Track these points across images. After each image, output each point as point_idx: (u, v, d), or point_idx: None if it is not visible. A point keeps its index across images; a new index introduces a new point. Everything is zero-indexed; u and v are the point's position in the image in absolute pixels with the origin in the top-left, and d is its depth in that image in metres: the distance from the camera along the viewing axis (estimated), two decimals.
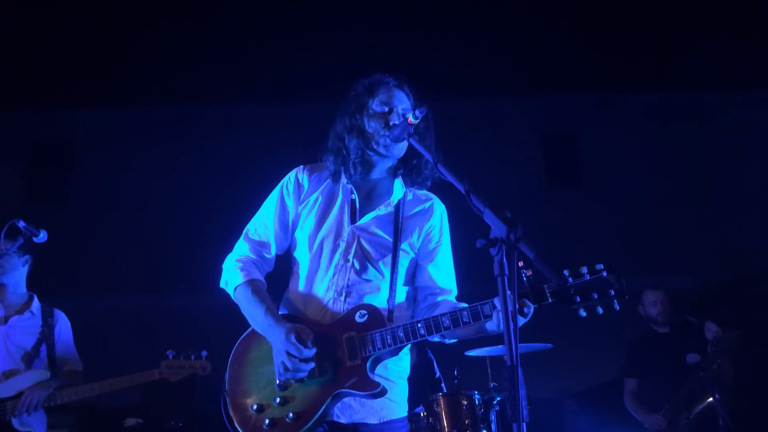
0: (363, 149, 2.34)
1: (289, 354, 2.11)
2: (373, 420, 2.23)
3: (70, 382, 3.84)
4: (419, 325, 2.13)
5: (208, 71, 8.52)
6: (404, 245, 2.35)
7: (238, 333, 2.36)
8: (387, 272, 2.31)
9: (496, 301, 2.02)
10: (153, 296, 8.57)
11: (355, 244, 2.31)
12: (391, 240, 2.33)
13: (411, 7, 7.69)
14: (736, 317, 6.03)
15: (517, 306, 1.64)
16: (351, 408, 2.22)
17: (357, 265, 2.29)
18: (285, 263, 2.50)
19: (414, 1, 7.67)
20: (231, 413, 2.21)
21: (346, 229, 2.33)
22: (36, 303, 4.01)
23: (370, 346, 2.15)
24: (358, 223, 2.34)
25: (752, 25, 8.03)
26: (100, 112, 9.37)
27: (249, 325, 2.33)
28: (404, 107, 2.36)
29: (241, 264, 2.37)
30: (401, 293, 2.36)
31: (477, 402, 4.18)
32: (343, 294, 2.27)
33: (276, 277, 2.50)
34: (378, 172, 2.42)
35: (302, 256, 2.38)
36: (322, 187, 2.42)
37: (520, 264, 1.79)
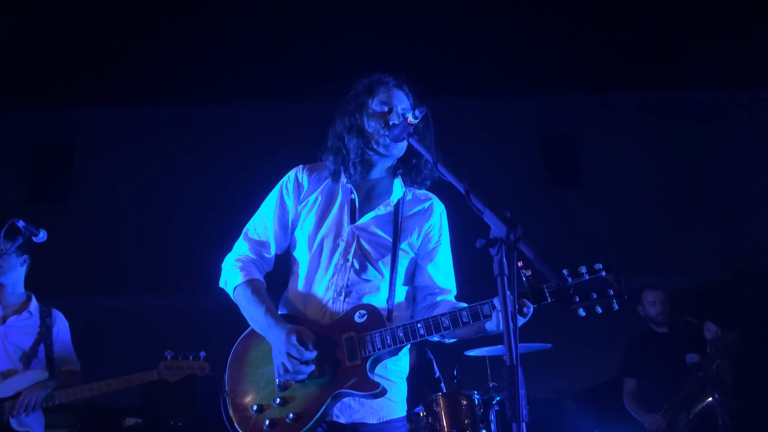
0: (363, 149, 2.34)
1: (289, 356, 2.11)
2: (372, 420, 2.23)
3: (68, 383, 3.84)
4: (419, 325, 2.13)
5: (208, 71, 8.52)
6: (404, 245, 2.35)
7: (238, 333, 2.36)
8: (386, 272, 2.31)
9: (496, 301, 2.02)
10: (153, 296, 8.57)
11: (354, 243, 2.31)
12: (391, 240, 2.33)
13: (411, 6, 7.69)
14: (735, 317, 6.02)
15: (517, 306, 1.64)
16: (350, 408, 2.22)
17: (356, 265, 2.29)
18: (284, 263, 2.50)
19: (414, 1, 7.67)
20: (231, 414, 2.21)
21: (346, 228, 2.33)
22: (34, 303, 4.00)
23: (369, 347, 2.15)
24: (358, 222, 2.34)
25: (752, 25, 8.03)
26: (100, 112, 9.38)
27: (248, 325, 2.32)
28: (404, 107, 2.36)
29: (240, 264, 2.37)
30: (401, 293, 2.36)
31: (476, 402, 4.18)
32: (343, 294, 2.27)
33: (275, 276, 2.50)
34: (378, 172, 2.42)
35: (302, 255, 2.38)
36: (322, 186, 2.42)
37: (520, 264, 1.79)
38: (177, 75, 8.47)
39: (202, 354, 3.83)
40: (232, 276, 2.35)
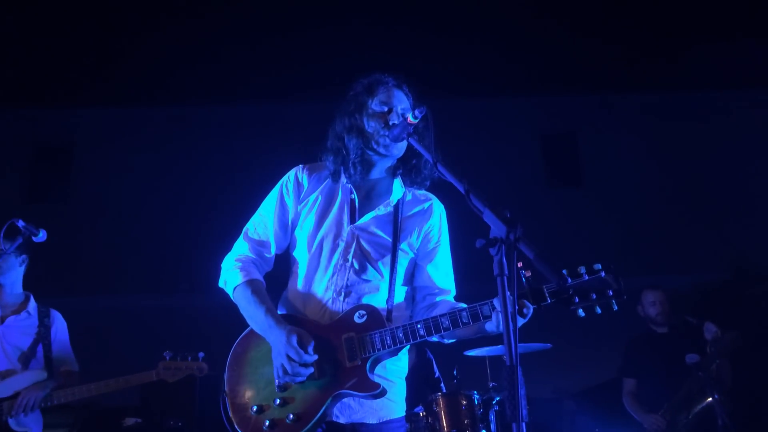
0: (362, 149, 2.34)
1: (289, 358, 2.11)
2: (372, 420, 2.23)
3: (67, 383, 3.83)
4: (418, 326, 2.13)
5: (207, 71, 8.52)
6: (403, 245, 2.34)
7: (238, 333, 2.35)
8: (386, 272, 2.31)
9: (496, 302, 2.02)
10: (152, 296, 8.57)
11: (354, 244, 2.31)
12: (390, 240, 2.33)
13: (410, 6, 7.69)
14: (735, 318, 6.03)
15: (517, 307, 1.64)
16: (350, 408, 2.21)
17: (356, 265, 2.29)
18: (284, 263, 2.49)
19: (413, 1, 7.67)
20: (231, 414, 2.21)
21: (346, 228, 2.33)
22: (32, 303, 4.00)
23: (369, 347, 2.14)
24: (358, 223, 2.34)
25: (752, 25, 8.02)
26: (99, 112, 9.37)
27: (248, 325, 2.32)
28: (403, 107, 2.36)
29: (240, 264, 2.36)
30: (400, 293, 2.36)
31: (476, 402, 4.18)
32: (342, 294, 2.27)
33: (275, 276, 2.49)
34: (377, 172, 2.42)
35: (301, 255, 2.38)
36: (322, 186, 2.42)
37: (519, 265, 1.79)
38: (176, 75, 8.47)
39: (201, 354, 3.83)
40: (231, 276, 2.35)
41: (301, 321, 2.26)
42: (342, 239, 2.32)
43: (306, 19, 7.84)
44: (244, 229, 2.46)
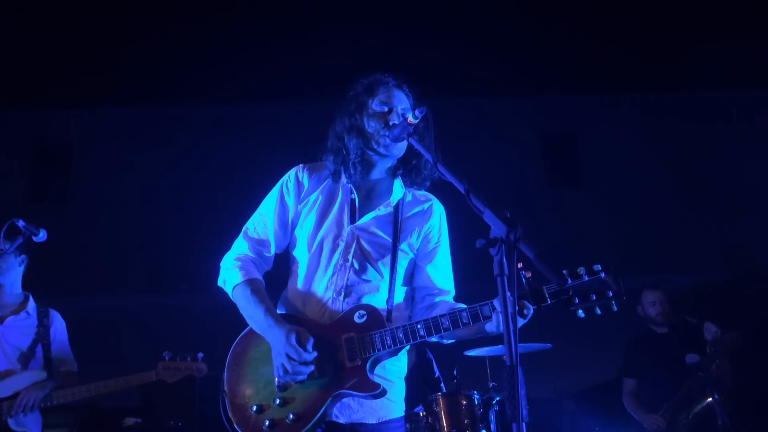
0: (363, 149, 2.34)
1: (288, 357, 2.11)
2: (371, 420, 2.23)
3: (66, 383, 3.83)
4: (419, 326, 2.12)
5: (208, 71, 8.52)
6: (403, 246, 2.34)
7: (237, 333, 2.35)
8: (386, 272, 2.31)
9: (496, 303, 2.02)
10: (152, 296, 8.57)
11: (354, 244, 2.31)
12: (390, 240, 2.33)
13: (410, 7, 7.69)
14: (735, 318, 6.03)
15: (517, 308, 1.64)
16: (350, 408, 2.21)
17: (356, 265, 2.29)
18: (284, 262, 2.49)
19: (413, 1, 7.68)
20: (230, 414, 2.21)
21: (346, 228, 2.33)
22: (31, 303, 3.99)
23: (369, 348, 2.14)
24: (358, 223, 2.34)
25: (752, 25, 8.03)
26: (99, 112, 9.38)
27: (248, 325, 2.32)
28: (404, 107, 2.36)
29: (239, 263, 2.36)
30: (400, 293, 2.36)
31: (476, 402, 4.18)
32: (342, 294, 2.27)
33: (275, 276, 2.49)
34: (378, 172, 2.41)
35: (301, 255, 2.38)
36: (322, 186, 2.42)
37: (520, 266, 1.78)
38: (176, 75, 8.48)
39: (200, 355, 3.82)
40: (230, 275, 2.34)
41: (301, 321, 2.25)
42: (342, 239, 2.31)
43: (306, 20, 7.85)
44: (244, 228, 2.45)
